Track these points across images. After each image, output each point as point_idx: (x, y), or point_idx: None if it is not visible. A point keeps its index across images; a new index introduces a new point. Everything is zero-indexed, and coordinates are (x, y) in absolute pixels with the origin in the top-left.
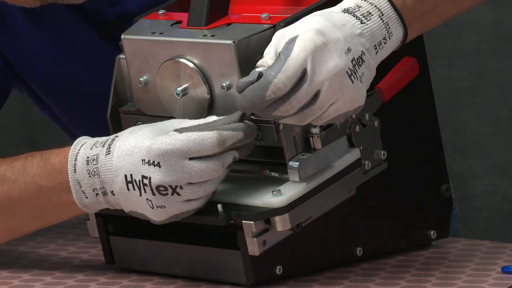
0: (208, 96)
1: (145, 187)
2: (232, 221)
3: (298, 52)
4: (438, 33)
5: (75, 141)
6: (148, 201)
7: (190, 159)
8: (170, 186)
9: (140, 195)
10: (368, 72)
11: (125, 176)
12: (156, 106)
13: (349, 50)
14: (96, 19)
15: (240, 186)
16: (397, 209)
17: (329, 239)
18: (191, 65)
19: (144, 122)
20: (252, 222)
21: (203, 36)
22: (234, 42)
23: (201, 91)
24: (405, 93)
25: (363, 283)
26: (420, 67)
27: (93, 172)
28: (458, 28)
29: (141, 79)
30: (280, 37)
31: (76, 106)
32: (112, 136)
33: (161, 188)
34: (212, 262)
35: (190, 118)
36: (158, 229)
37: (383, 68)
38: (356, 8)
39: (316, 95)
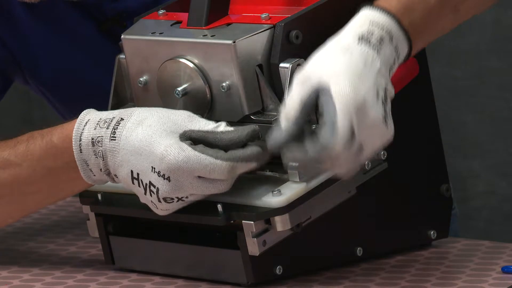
0: (208, 96)
1: (152, 193)
2: (232, 221)
3: (343, 116)
4: None
5: (78, 119)
6: (153, 203)
7: (199, 177)
8: (177, 197)
9: (145, 193)
10: (390, 100)
11: (132, 171)
12: (156, 106)
13: (378, 93)
14: (96, 15)
15: (240, 186)
16: (397, 209)
17: (329, 239)
18: (191, 65)
19: None
20: (252, 222)
21: (203, 36)
22: (234, 42)
23: (201, 91)
24: (405, 93)
25: (363, 283)
26: (420, 67)
27: (99, 153)
28: (458, 28)
29: (141, 79)
30: (303, 82)
31: (78, 99)
32: (116, 116)
33: (168, 199)
34: (212, 262)
35: None
36: (158, 229)
37: None
38: (369, 35)
39: (361, 149)
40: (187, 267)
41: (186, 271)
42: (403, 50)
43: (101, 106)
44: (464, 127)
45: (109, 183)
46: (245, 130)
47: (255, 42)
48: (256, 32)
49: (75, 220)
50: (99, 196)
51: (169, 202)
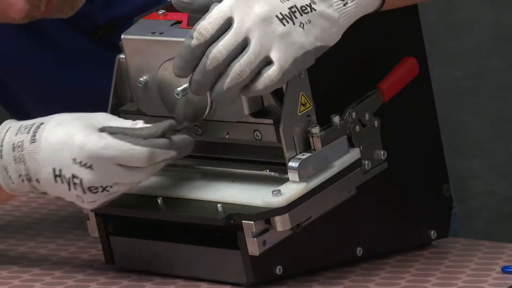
0: (208, 96)
1: (76, 185)
2: (232, 221)
3: (224, 2)
4: (438, 33)
5: (0, 126)
6: (78, 196)
7: (120, 165)
8: (101, 186)
9: (69, 190)
10: (322, 21)
11: (53, 169)
12: (156, 106)
13: None
14: (85, 24)
15: (240, 186)
16: (397, 209)
17: (329, 239)
18: None
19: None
20: (252, 222)
21: None
22: None
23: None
24: (405, 93)
25: (363, 283)
26: (420, 67)
27: (19, 158)
28: (458, 28)
29: (141, 79)
30: None
31: (77, 110)
32: (36, 122)
33: (92, 188)
34: (212, 262)
35: (190, 119)
36: (158, 229)
37: (383, 68)
38: None
39: (248, 44)
40: (187, 267)
41: (186, 271)
42: None
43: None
44: (464, 127)
45: None
46: (162, 125)
47: None
48: None
49: (75, 220)
50: None
51: (94, 193)
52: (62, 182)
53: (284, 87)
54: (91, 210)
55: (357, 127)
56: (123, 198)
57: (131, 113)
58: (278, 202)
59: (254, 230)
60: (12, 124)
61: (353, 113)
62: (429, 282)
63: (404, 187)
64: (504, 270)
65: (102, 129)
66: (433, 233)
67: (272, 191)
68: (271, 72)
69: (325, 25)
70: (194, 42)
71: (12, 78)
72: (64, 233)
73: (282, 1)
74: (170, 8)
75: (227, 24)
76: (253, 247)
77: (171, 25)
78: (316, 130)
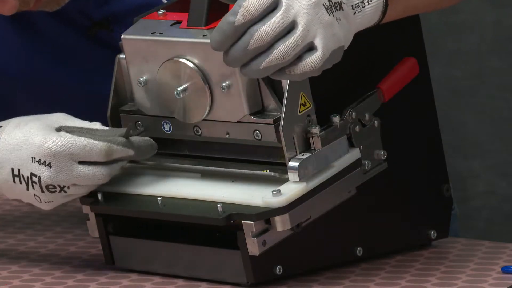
0: (208, 96)
1: (34, 184)
2: (232, 221)
3: None
4: (438, 32)
5: None
6: (36, 196)
7: (79, 163)
8: (59, 185)
9: (27, 189)
10: (345, 22)
11: (12, 169)
12: (156, 106)
13: None
14: (80, 21)
15: (240, 186)
16: (397, 209)
17: (329, 239)
18: (191, 65)
19: (144, 122)
20: (252, 222)
21: (203, 36)
22: None
23: (201, 91)
24: (405, 93)
25: (363, 283)
26: (420, 67)
27: None
28: (459, 28)
29: (141, 79)
30: None
31: (73, 108)
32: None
33: (50, 187)
34: (212, 262)
35: (190, 118)
36: (158, 229)
37: (383, 68)
38: None
39: (295, 27)
40: (187, 267)
41: (186, 271)
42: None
43: (101, 110)
44: (464, 127)
45: (109, 183)
46: (121, 129)
47: None
48: None
49: (75, 220)
50: (99, 196)
51: (52, 192)
52: (21, 182)
53: (284, 87)
54: (47, 210)
55: (357, 127)
56: (123, 198)
57: (131, 113)
58: (278, 202)
59: (254, 230)
60: None
61: (353, 113)
62: (429, 282)
63: (404, 187)
64: (504, 270)
65: (59, 129)
66: (433, 233)
67: (272, 191)
68: (314, 58)
69: (348, 28)
70: (239, 18)
71: (9, 82)
72: (64, 233)
73: None
74: (170, 8)
75: (274, 4)
76: (253, 247)
77: (171, 25)
78: (316, 130)
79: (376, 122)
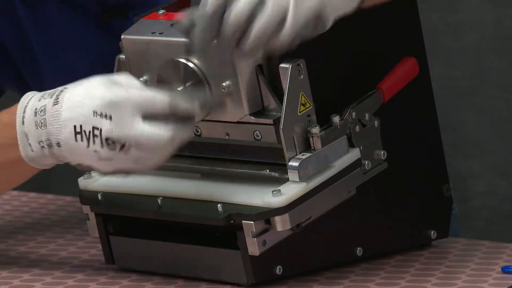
0: (208, 96)
1: (95, 138)
2: (232, 221)
3: None
4: (438, 32)
5: (24, 95)
6: (96, 152)
7: (143, 120)
8: (119, 142)
9: (88, 146)
10: None
11: (74, 126)
12: None
13: None
14: (93, 8)
15: (240, 186)
16: (397, 209)
17: (329, 239)
18: (191, 65)
19: None
20: (252, 222)
21: None
22: None
23: (201, 91)
24: (405, 93)
25: (363, 283)
26: (420, 67)
27: (40, 123)
28: (458, 27)
29: (141, 79)
30: None
31: None
32: (61, 88)
33: (109, 141)
34: (212, 262)
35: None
36: (158, 229)
37: (383, 68)
38: None
39: (264, 2)
40: (187, 267)
41: (186, 271)
42: None
43: None
44: (464, 127)
45: (109, 183)
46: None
47: None
48: None
49: (75, 220)
50: (99, 196)
51: (111, 149)
52: (82, 139)
53: (284, 87)
54: (105, 174)
55: (357, 127)
56: (123, 198)
57: None
58: (278, 202)
59: (254, 230)
60: (36, 93)
61: (353, 113)
62: (429, 282)
63: (404, 187)
64: (504, 270)
65: (121, 84)
66: (433, 233)
67: (272, 191)
68: (285, 31)
69: None
70: (209, 8)
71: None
72: (64, 233)
73: None
74: (170, 8)
75: None
76: (253, 247)
77: (171, 25)
78: (316, 130)
79: (376, 122)
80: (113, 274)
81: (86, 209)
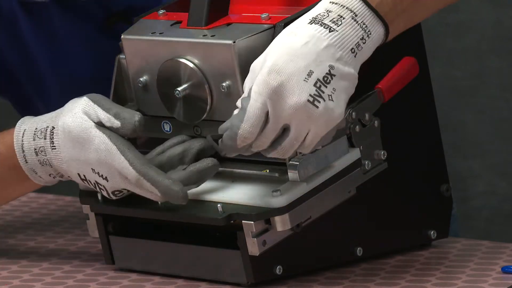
0: (208, 96)
1: (102, 190)
2: (232, 221)
3: (255, 98)
4: (438, 32)
5: (15, 129)
6: (106, 194)
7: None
8: (124, 189)
9: (97, 190)
10: (343, 82)
11: (78, 174)
12: (156, 106)
13: (310, 74)
14: (97, 13)
15: (240, 186)
16: (397, 209)
17: (329, 239)
18: (191, 65)
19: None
20: (252, 222)
21: (203, 36)
22: (234, 42)
23: (201, 91)
24: (405, 93)
25: (363, 283)
26: (420, 67)
27: (44, 162)
28: (459, 27)
29: (141, 79)
30: (253, 70)
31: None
32: (48, 125)
33: (116, 192)
34: (212, 262)
35: (190, 118)
36: (158, 229)
37: (383, 68)
38: (326, 14)
39: (287, 129)
40: (187, 267)
41: (186, 271)
42: (376, 28)
43: None
44: (464, 127)
45: None
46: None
47: (255, 42)
48: (256, 32)
49: (75, 220)
50: (99, 196)
51: (118, 196)
52: (89, 185)
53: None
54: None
55: (357, 127)
56: (123, 198)
57: None
58: (278, 202)
59: (254, 230)
60: (26, 126)
61: (353, 113)
62: (429, 282)
63: (404, 187)
64: (504, 270)
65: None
66: (433, 233)
67: (272, 191)
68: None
69: (347, 85)
70: (240, 143)
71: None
72: (64, 233)
73: (306, 79)
74: (170, 8)
75: (266, 118)
76: (253, 247)
77: (171, 25)
78: None
79: (376, 122)
80: (113, 274)
81: (86, 209)
